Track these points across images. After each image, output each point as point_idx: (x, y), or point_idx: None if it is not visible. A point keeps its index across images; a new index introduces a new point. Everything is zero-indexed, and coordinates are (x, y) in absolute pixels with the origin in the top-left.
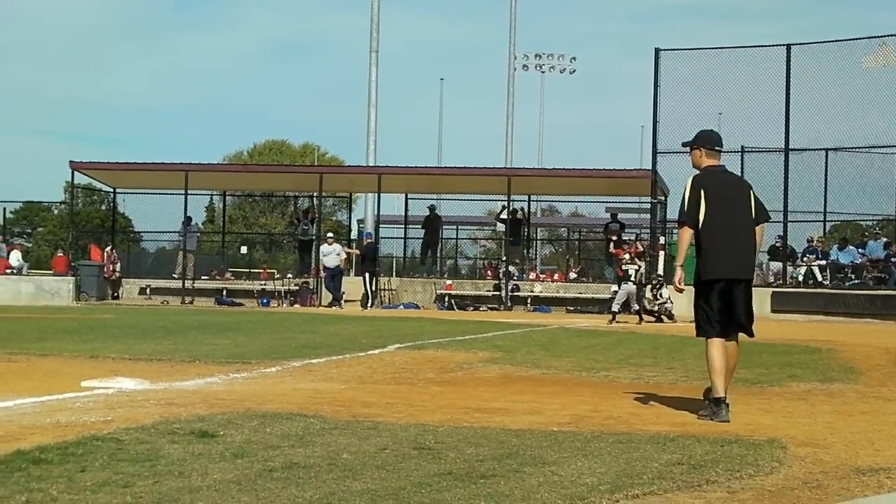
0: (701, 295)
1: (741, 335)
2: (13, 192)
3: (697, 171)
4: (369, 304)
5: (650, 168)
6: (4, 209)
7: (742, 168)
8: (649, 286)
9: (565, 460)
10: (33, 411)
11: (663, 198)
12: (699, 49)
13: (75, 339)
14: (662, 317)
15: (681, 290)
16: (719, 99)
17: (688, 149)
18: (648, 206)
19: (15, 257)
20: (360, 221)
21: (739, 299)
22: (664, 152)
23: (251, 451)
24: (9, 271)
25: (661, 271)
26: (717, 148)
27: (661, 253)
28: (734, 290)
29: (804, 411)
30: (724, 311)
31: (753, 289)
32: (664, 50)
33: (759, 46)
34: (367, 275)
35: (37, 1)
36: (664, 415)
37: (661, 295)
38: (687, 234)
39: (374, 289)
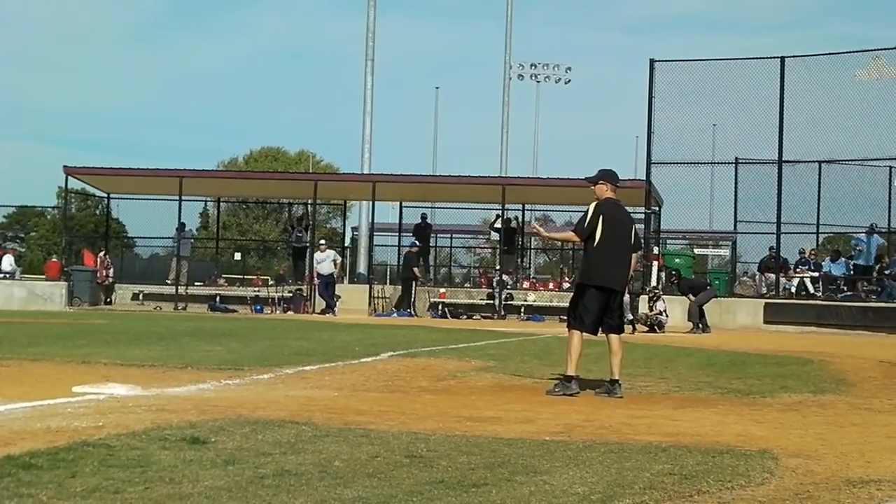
0: (582, 296)
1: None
2: (6, 197)
3: (599, 201)
4: (408, 310)
5: (644, 178)
6: None
7: (736, 179)
8: (645, 297)
9: (557, 469)
10: (24, 416)
11: (657, 208)
12: (694, 60)
13: (67, 344)
14: (655, 327)
15: (534, 233)
16: (714, 110)
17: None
18: (642, 216)
19: (7, 262)
20: (354, 229)
21: (614, 305)
22: (659, 163)
23: (242, 457)
24: (1, 276)
25: (654, 282)
26: (617, 184)
27: (655, 263)
28: (611, 298)
29: (796, 422)
30: (598, 313)
31: (747, 300)
32: (659, 61)
33: (753, 59)
34: (404, 281)
35: (31, 4)
36: (656, 425)
37: (655, 307)
38: (572, 237)
39: (412, 295)
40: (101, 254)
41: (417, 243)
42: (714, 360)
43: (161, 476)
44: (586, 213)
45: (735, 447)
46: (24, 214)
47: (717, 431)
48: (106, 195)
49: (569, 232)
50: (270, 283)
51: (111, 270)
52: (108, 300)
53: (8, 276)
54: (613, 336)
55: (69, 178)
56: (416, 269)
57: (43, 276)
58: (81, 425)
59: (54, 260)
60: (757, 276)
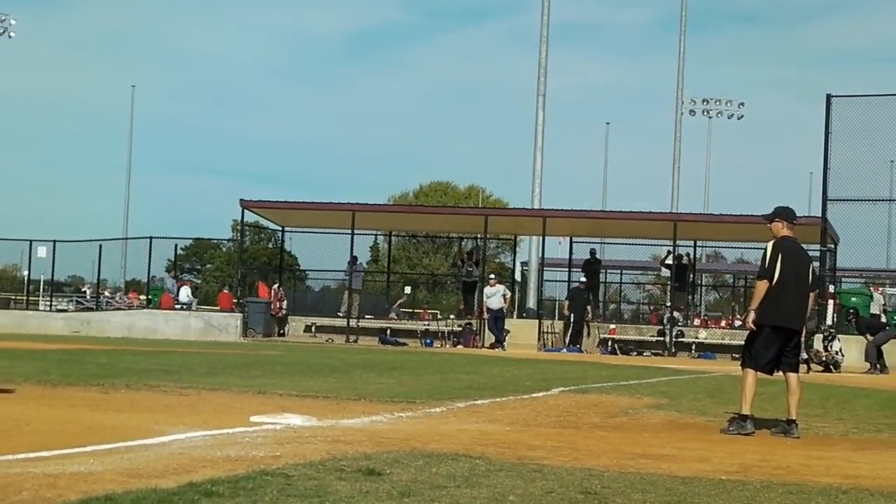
0: (758, 334)
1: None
2: (183, 229)
3: (775, 239)
4: (577, 346)
5: (819, 215)
6: (176, 245)
7: None
8: (820, 336)
9: None
10: (204, 444)
11: (833, 246)
12: (872, 95)
13: (243, 374)
14: (830, 367)
15: (752, 329)
16: (892, 146)
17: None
18: (817, 253)
19: (185, 293)
20: (523, 264)
21: (791, 344)
22: (835, 199)
23: (417, 490)
24: (178, 306)
25: (829, 321)
26: (794, 222)
27: (831, 302)
28: (788, 337)
29: None
30: (774, 352)
31: None
32: (836, 96)
33: None
34: (571, 316)
35: (210, 42)
36: (835, 466)
37: (831, 346)
38: (764, 287)
39: (577, 331)
40: (276, 286)
41: (583, 279)
42: (894, 402)
43: None
44: (764, 253)
45: None
46: (200, 247)
47: None
48: (280, 228)
49: (758, 287)
50: (440, 316)
51: (285, 302)
52: (282, 332)
53: (185, 307)
54: (791, 375)
55: (245, 211)
56: (588, 308)
57: (217, 308)
58: (259, 454)
59: (226, 292)
60: None
